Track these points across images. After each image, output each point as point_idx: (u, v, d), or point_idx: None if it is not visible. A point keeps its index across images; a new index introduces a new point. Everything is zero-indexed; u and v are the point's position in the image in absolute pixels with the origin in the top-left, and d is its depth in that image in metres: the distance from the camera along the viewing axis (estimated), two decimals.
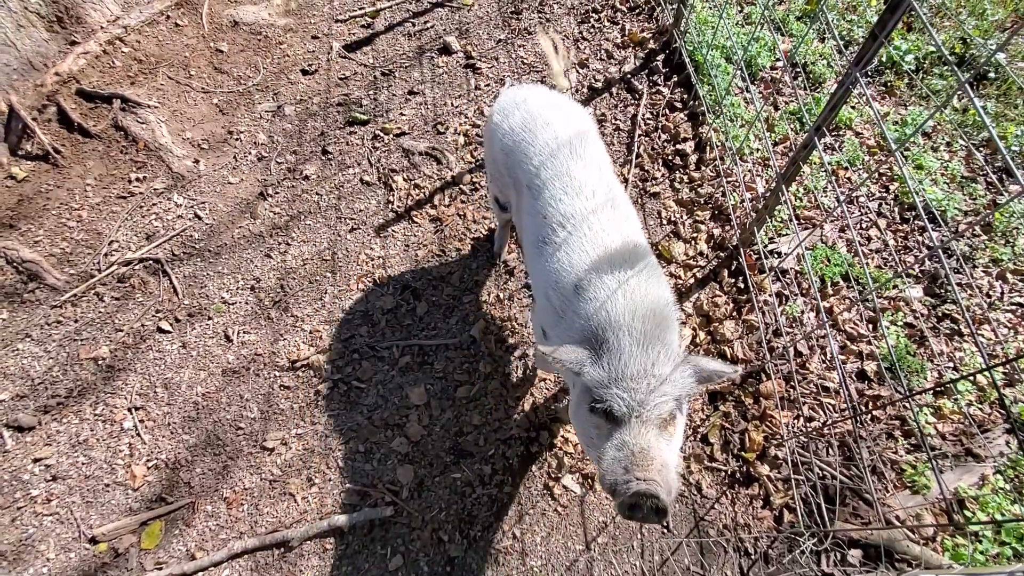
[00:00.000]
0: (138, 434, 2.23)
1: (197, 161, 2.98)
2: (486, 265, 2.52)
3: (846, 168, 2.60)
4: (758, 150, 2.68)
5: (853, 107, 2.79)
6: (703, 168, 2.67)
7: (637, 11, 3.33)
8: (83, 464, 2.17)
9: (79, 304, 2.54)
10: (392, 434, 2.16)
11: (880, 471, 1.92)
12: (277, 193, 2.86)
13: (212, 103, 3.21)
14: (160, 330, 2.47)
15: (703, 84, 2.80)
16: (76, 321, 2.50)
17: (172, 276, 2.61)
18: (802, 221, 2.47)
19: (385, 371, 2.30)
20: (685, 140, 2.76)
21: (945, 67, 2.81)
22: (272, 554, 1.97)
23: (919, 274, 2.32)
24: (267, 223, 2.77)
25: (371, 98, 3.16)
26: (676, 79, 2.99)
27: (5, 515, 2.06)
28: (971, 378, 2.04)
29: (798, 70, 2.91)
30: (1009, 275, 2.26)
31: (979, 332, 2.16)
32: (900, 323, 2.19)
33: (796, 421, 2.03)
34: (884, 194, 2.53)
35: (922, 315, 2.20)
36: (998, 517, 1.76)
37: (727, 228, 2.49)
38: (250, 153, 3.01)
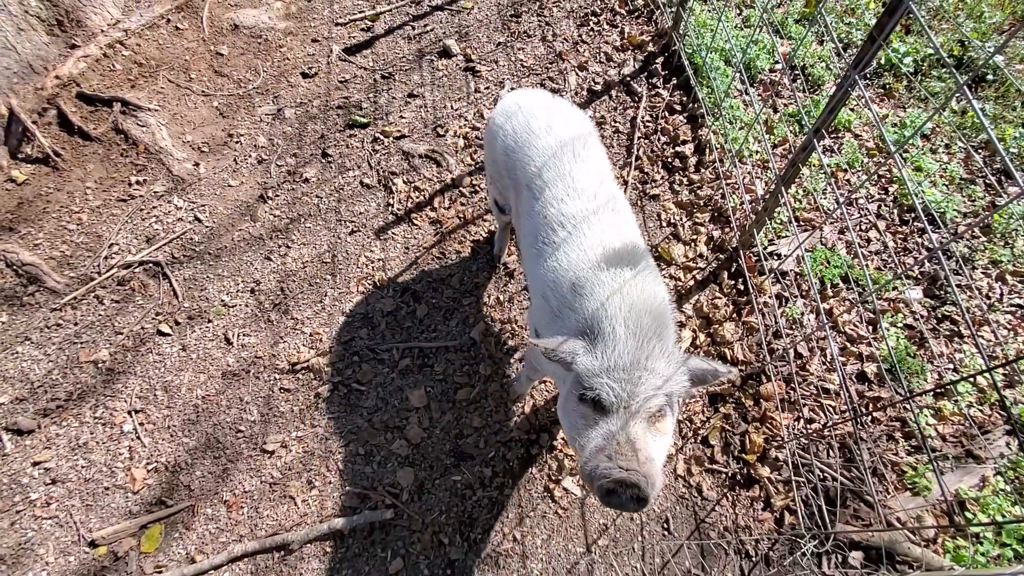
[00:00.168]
0: (138, 437, 2.23)
1: (197, 164, 2.98)
2: (486, 267, 2.52)
3: (845, 170, 2.60)
4: (757, 152, 2.68)
5: (852, 109, 2.80)
6: (702, 170, 2.68)
7: (636, 14, 3.34)
8: (83, 467, 2.17)
9: (79, 307, 2.54)
10: (392, 437, 2.15)
11: (881, 473, 1.92)
12: (277, 196, 2.86)
13: (212, 106, 3.21)
14: (160, 333, 2.47)
15: (702, 87, 2.81)
16: (76, 324, 2.50)
17: (172, 279, 2.61)
18: (801, 223, 2.48)
19: (385, 373, 2.30)
20: (684, 142, 2.77)
21: (943, 69, 2.82)
22: (272, 557, 1.96)
23: (919, 276, 2.33)
24: (267, 226, 2.77)
25: (371, 101, 3.16)
26: (675, 82, 3.00)
27: (4, 519, 2.05)
28: (971, 379, 2.04)
29: (797, 73, 2.92)
30: (1008, 276, 2.26)
31: (979, 333, 2.16)
32: (900, 325, 2.19)
33: (796, 423, 2.03)
34: (883, 196, 2.54)
35: (922, 317, 2.21)
36: (999, 518, 1.76)
37: (727, 230, 2.49)
38: (250, 156, 3.02)
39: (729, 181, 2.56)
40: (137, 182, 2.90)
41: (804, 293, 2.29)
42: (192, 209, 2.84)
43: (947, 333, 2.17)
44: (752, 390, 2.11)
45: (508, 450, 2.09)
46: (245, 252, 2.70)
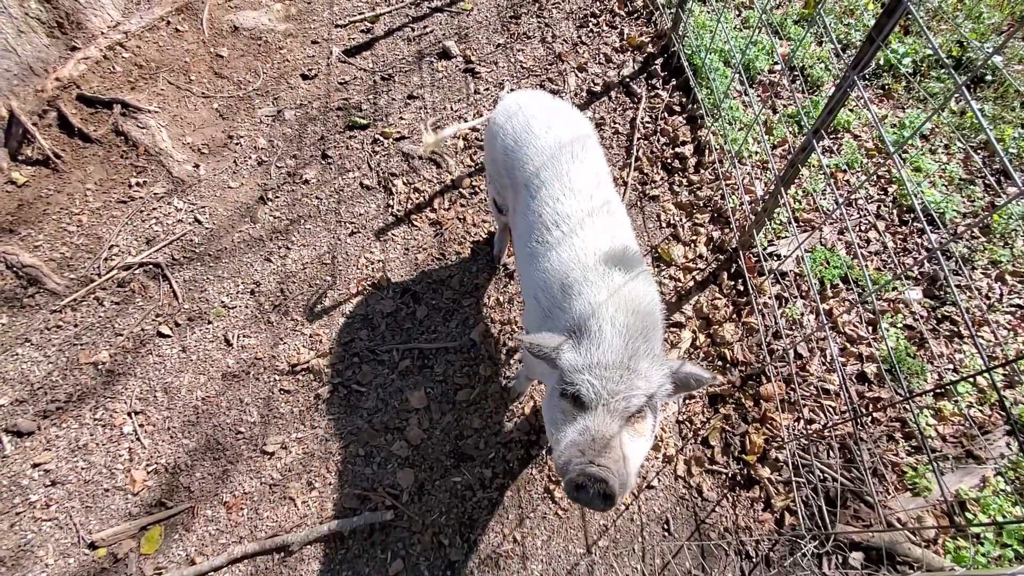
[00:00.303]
0: (138, 438, 2.23)
1: (197, 166, 2.99)
2: (486, 268, 2.53)
3: (845, 171, 2.60)
4: (757, 153, 2.69)
5: (851, 110, 2.80)
6: (702, 171, 2.68)
7: (635, 15, 3.35)
8: (82, 469, 2.17)
9: (79, 309, 2.54)
10: (392, 438, 2.15)
11: (881, 473, 1.91)
12: (277, 197, 2.87)
13: (212, 108, 3.21)
14: (160, 334, 2.47)
15: (702, 88, 2.81)
16: (76, 326, 2.50)
17: (172, 280, 2.61)
18: (801, 223, 2.48)
19: (385, 375, 2.30)
20: (684, 143, 2.77)
21: (942, 70, 2.82)
22: (272, 559, 1.96)
23: (918, 276, 2.33)
24: (267, 227, 2.77)
25: (371, 102, 3.17)
26: (675, 83, 3.00)
27: (4, 520, 2.05)
28: (971, 380, 2.04)
29: (796, 73, 2.92)
30: (1008, 277, 2.26)
31: (979, 334, 2.16)
32: (900, 325, 2.19)
33: (796, 423, 2.03)
34: (883, 196, 2.54)
35: (922, 317, 2.21)
36: (999, 519, 1.76)
37: (726, 231, 2.49)
38: (250, 157, 3.02)
39: (729, 182, 2.56)
40: (137, 184, 2.90)
41: (804, 294, 2.30)
42: (192, 211, 2.84)
43: (947, 333, 2.17)
44: (752, 391, 2.11)
45: (508, 451, 2.09)
46: (245, 253, 2.70)
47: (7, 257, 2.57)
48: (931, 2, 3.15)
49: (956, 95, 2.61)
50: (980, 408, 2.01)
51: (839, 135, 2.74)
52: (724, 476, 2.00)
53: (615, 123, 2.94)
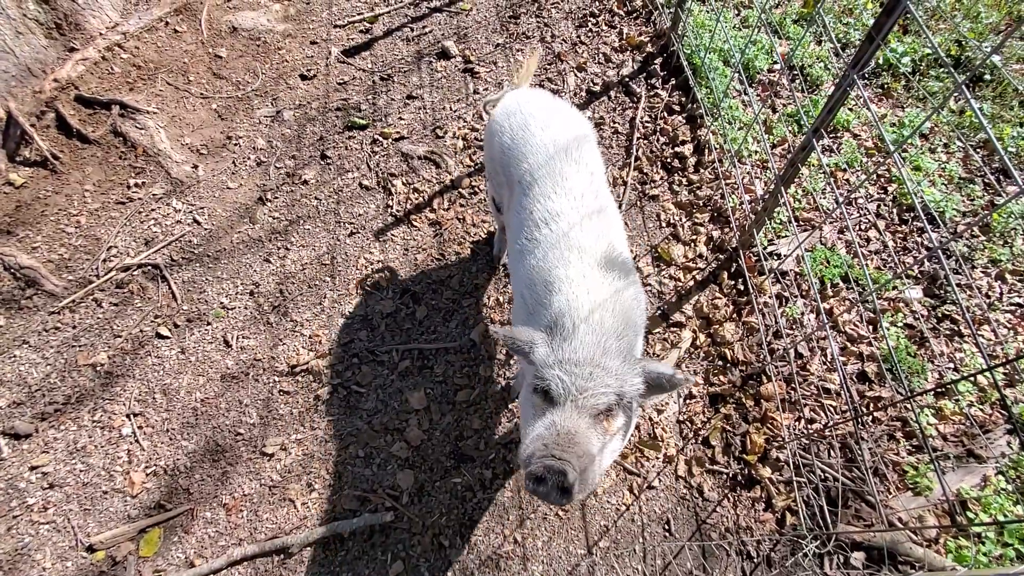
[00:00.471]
0: (137, 440, 2.22)
1: (196, 166, 2.98)
2: (485, 268, 2.52)
3: (844, 170, 2.60)
4: (756, 152, 2.69)
5: (851, 109, 2.80)
6: (702, 170, 2.68)
7: (634, 15, 3.35)
8: (81, 471, 2.16)
9: (77, 310, 2.53)
10: (392, 439, 2.15)
11: (882, 473, 1.91)
12: (276, 198, 2.86)
13: (211, 109, 3.21)
14: (159, 336, 2.46)
15: (701, 87, 2.81)
16: (74, 327, 2.49)
17: (171, 281, 2.60)
18: (801, 223, 2.48)
19: (385, 375, 2.29)
20: (684, 143, 2.77)
21: (941, 69, 2.83)
22: (272, 561, 1.95)
23: (919, 275, 2.33)
24: (266, 228, 2.77)
25: (370, 103, 3.16)
26: (674, 82, 3.00)
27: (1, 524, 2.04)
28: (972, 379, 2.04)
29: (795, 73, 2.92)
30: (1008, 275, 2.26)
31: (979, 333, 2.16)
32: (900, 324, 2.19)
33: (797, 423, 2.03)
34: (883, 195, 2.54)
35: (922, 316, 2.20)
36: (1000, 518, 1.75)
37: (726, 230, 2.49)
38: (249, 158, 3.01)
39: (728, 181, 2.56)
40: (136, 185, 2.89)
41: (804, 293, 2.29)
42: (191, 211, 2.83)
43: (947, 332, 2.16)
44: (753, 390, 2.11)
45: (509, 452, 2.08)
46: (244, 254, 2.69)
47: (5, 258, 2.56)
48: (930, 1, 3.16)
49: (955, 94, 2.61)
50: (981, 407, 2.01)
51: (839, 134, 2.74)
52: (725, 476, 2.00)
53: (615, 123, 2.94)
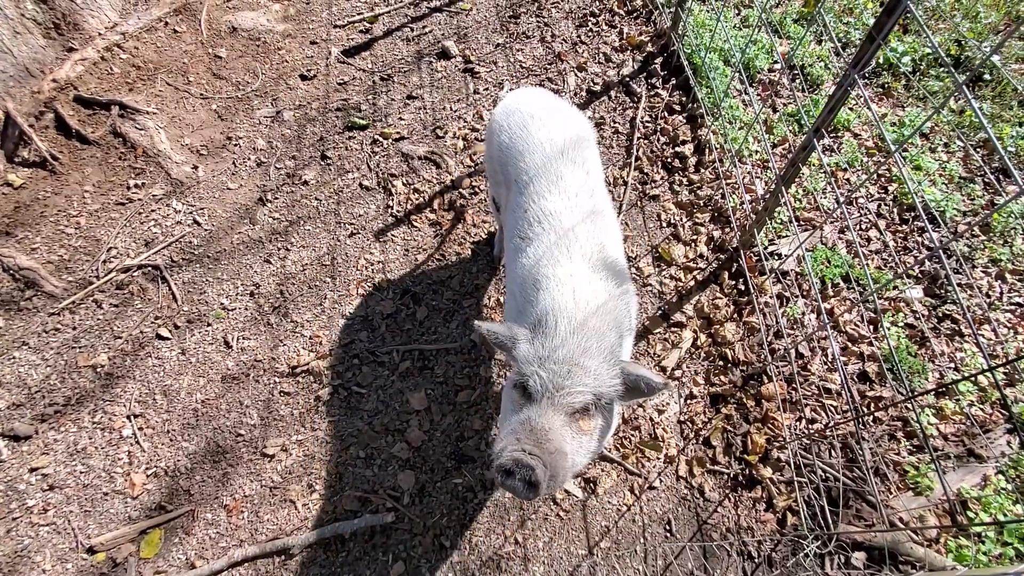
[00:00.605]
0: (137, 442, 2.21)
1: (196, 167, 2.97)
2: (486, 269, 2.52)
3: (845, 169, 2.60)
4: (757, 152, 2.68)
5: (851, 109, 2.80)
6: (702, 170, 2.68)
7: (635, 14, 3.34)
8: (81, 473, 2.15)
9: (77, 311, 2.53)
10: (393, 439, 2.15)
11: (883, 472, 1.91)
12: (276, 198, 2.86)
13: (211, 109, 3.20)
14: (159, 337, 2.46)
15: (701, 87, 2.81)
16: (74, 328, 2.48)
17: (171, 282, 2.60)
18: (802, 223, 2.48)
19: (385, 376, 2.29)
20: (684, 142, 2.77)
21: (941, 69, 2.83)
22: (273, 562, 1.95)
23: (919, 275, 2.33)
24: (266, 228, 2.76)
25: (370, 103, 3.16)
26: (674, 82, 3.00)
27: (1, 526, 2.04)
28: (972, 378, 2.04)
29: (796, 72, 2.92)
30: (1008, 275, 2.26)
31: (980, 332, 2.16)
32: (901, 324, 2.19)
33: (798, 423, 2.03)
34: (883, 195, 2.54)
35: (923, 316, 2.21)
36: (1001, 518, 1.75)
37: (727, 230, 2.49)
38: (249, 159, 3.01)
39: (729, 181, 2.56)
40: (135, 185, 2.89)
41: (805, 293, 2.29)
42: (191, 212, 2.83)
43: (948, 332, 2.16)
44: (753, 390, 2.11)
45: None
46: (244, 255, 2.69)
47: (4, 260, 2.56)
48: (930, 1, 3.16)
49: (955, 93, 2.61)
50: (981, 406, 2.01)
51: (839, 134, 2.74)
52: (726, 476, 2.00)
53: (615, 122, 2.94)
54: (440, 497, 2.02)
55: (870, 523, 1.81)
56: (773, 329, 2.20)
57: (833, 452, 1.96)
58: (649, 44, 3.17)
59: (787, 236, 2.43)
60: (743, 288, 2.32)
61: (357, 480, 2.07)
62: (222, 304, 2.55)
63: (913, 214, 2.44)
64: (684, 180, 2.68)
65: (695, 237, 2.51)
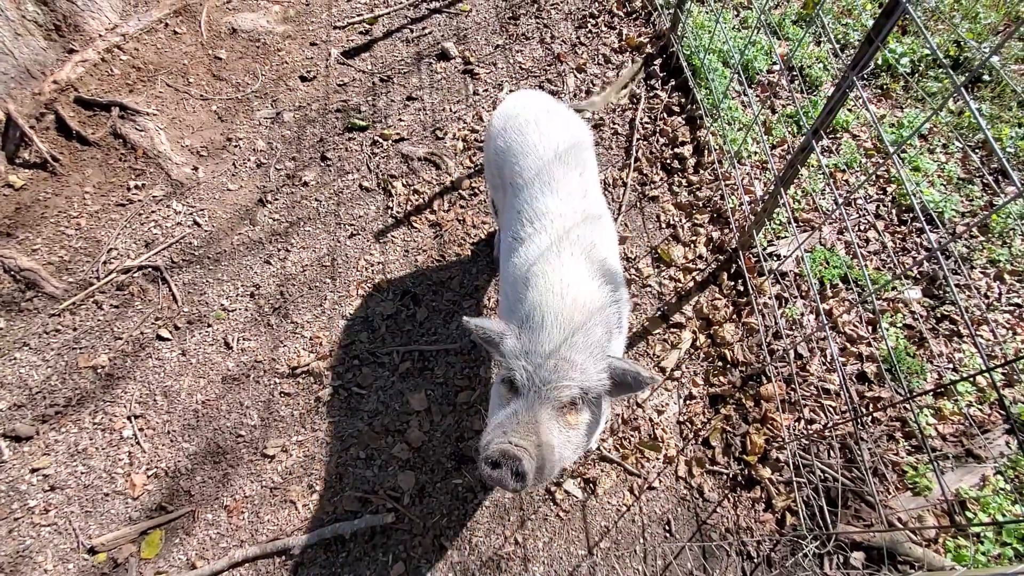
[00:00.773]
0: (138, 442, 2.22)
1: (196, 168, 2.98)
2: (486, 270, 2.52)
3: (844, 171, 2.61)
4: (756, 153, 2.69)
5: (850, 110, 2.80)
6: (701, 171, 2.68)
7: (634, 16, 3.35)
8: (82, 473, 2.16)
9: (78, 312, 2.53)
10: (393, 440, 2.15)
11: (882, 473, 1.92)
12: (276, 199, 2.86)
13: (211, 110, 3.21)
14: (159, 338, 2.46)
15: (700, 88, 2.82)
16: (75, 329, 2.49)
17: (171, 283, 2.60)
18: (801, 224, 2.48)
19: (385, 377, 2.29)
20: (683, 144, 2.77)
21: (940, 70, 2.83)
22: (273, 562, 1.96)
23: (918, 275, 2.33)
24: (266, 229, 2.77)
25: (370, 104, 3.17)
26: (674, 83, 3.00)
27: (2, 526, 2.04)
28: (971, 379, 2.05)
29: (795, 74, 2.93)
30: (1007, 276, 2.27)
31: (978, 333, 2.17)
32: (900, 324, 2.20)
33: (797, 423, 2.03)
34: (882, 196, 2.55)
35: (921, 316, 2.21)
36: (999, 518, 1.76)
37: (726, 231, 2.50)
38: (249, 160, 3.01)
39: (728, 182, 2.57)
40: (136, 187, 2.89)
41: (804, 294, 2.30)
42: (191, 213, 2.83)
43: (946, 333, 2.17)
44: (752, 391, 2.11)
45: None
46: (244, 256, 2.70)
47: (5, 261, 2.56)
48: (928, 2, 3.16)
49: (954, 95, 2.62)
50: (980, 407, 2.02)
51: (838, 135, 2.74)
52: (725, 477, 2.00)
53: (614, 124, 2.95)
54: (440, 497, 2.02)
55: (869, 523, 1.82)
56: (772, 330, 2.21)
57: (832, 452, 1.96)
58: (648, 45, 3.17)
59: (786, 237, 2.44)
60: (742, 289, 2.33)
61: (357, 480, 2.08)
62: (222, 305, 2.55)
63: (912, 215, 2.45)
64: (683, 181, 2.69)
65: (694, 238, 2.52)
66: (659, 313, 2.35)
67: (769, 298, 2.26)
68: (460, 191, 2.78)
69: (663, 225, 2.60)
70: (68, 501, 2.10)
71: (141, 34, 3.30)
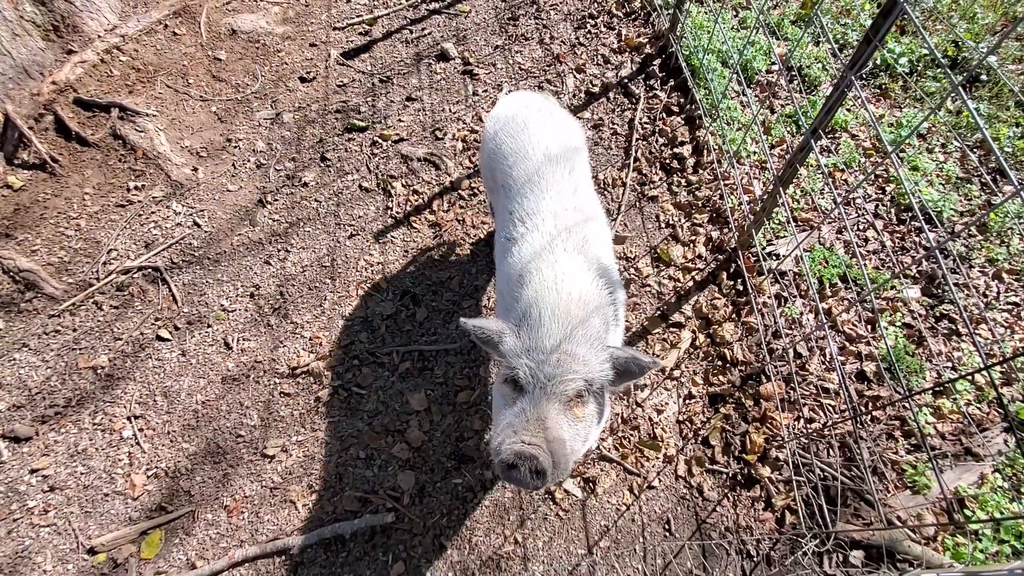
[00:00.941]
0: (137, 443, 2.22)
1: (196, 169, 2.98)
2: (486, 270, 2.53)
3: (842, 170, 2.62)
4: (755, 153, 2.70)
5: (848, 110, 2.81)
6: (701, 171, 2.69)
7: (633, 16, 3.36)
8: (82, 474, 2.16)
9: (77, 313, 2.53)
10: (393, 440, 2.15)
11: (881, 471, 1.92)
12: (276, 200, 2.86)
13: (210, 111, 3.21)
14: (159, 338, 2.46)
15: (700, 88, 2.82)
16: (74, 330, 2.49)
17: (171, 284, 2.60)
18: (800, 223, 2.49)
19: (385, 377, 2.29)
20: (682, 144, 2.78)
21: (938, 70, 2.84)
22: (273, 562, 1.96)
23: (916, 275, 2.34)
24: (266, 230, 2.77)
25: (369, 105, 3.17)
26: (673, 83, 3.01)
27: (1, 527, 2.04)
28: (969, 377, 2.05)
29: (794, 74, 2.94)
30: (1005, 275, 2.27)
31: (977, 332, 2.17)
32: (899, 323, 2.20)
33: (796, 422, 2.04)
34: (880, 196, 2.55)
35: (920, 315, 2.22)
36: (997, 515, 1.76)
37: (725, 231, 2.50)
38: (249, 160, 3.02)
39: (727, 182, 2.57)
40: (135, 187, 2.89)
41: (803, 293, 2.30)
42: (191, 214, 2.83)
43: (945, 331, 2.18)
44: (752, 390, 2.12)
45: None
46: (244, 257, 2.70)
47: (4, 262, 2.56)
48: (926, 2, 3.17)
49: (952, 94, 2.63)
50: (978, 405, 2.02)
51: (837, 135, 2.75)
52: (725, 476, 2.01)
53: (613, 124, 2.95)
54: (440, 497, 2.03)
55: (868, 521, 1.82)
56: (771, 329, 2.21)
57: (831, 451, 1.96)
58: (648, 46, 3.18)
59: (785, 236, 2.45)
60: (741, 288, 2.33)
61: (357, 480, 2.08)
62: (222, 305, 2.55)
63: (910, 214, 2.46)
64: (682, 181, 2.69)
65: (693, 238, 2.52)
66: (658, 312, 2.36)
67: (768, 297, 2.26)
68: (460, 191, 2.78)
69: (662, 225, 2.60)
70: (68, 502, 2.10)
71: (140, 35, 3.30)
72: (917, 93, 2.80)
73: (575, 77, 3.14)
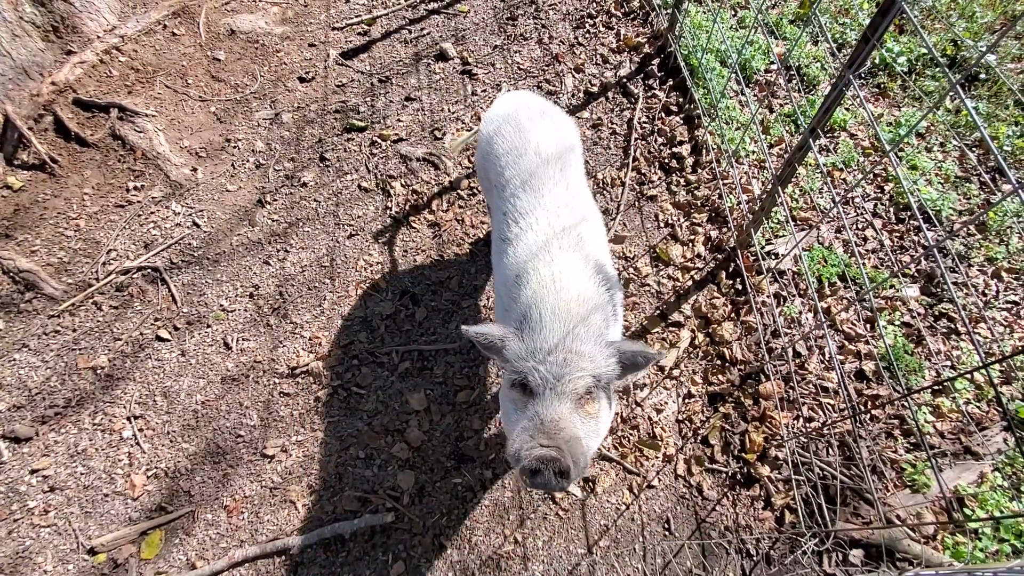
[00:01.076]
0: (137, 443, 2.22)
1: (195, 169, 2.98)
2: (485, 269, 2.53)
3: (841, 169, 2.62)
4: (754, 152, 2.70)
5: (847, 109, 2.81)
6: (699, 171, 2.69)
7: (632, 16, 3.36)
8: (81, 474, 2.16)
9: (77, 313, 2.53)
10: (392, 440, 2.15)
11: (880, 470, 1.92)
12: (275, 200, 2.86)
13: (210, 111, 3.21)
14: (159, 338, 2.46)
15: (698, 88, 2.82)
16: (74, 330, 2.49)
17: (171, 284, 2.60)
18: (798, 222, 2.49)
19: (385, 377, 2.30)
20: (681, 143, 2.78)
21: (937, 69, 2.84)
22: (273, 562, 1.96)
23: (915, 273, 2.34)
24: (265, 230, 2.77)
25: (368, 105, 3.17)
26: (672, 83, 3.01)
27: (1, 527, 2.04)
28: (968, 376, 2.05)
29: (792, 73, 2.94)
30: (1004, 273, 2.28)
31: (975, 330, 2.17)
32: (897, 322, 2.20)
33: (796, 421, 2.04)
34: (879, 195, 2.55)
35: (919, 314, 2.22)
36: (997, 514, 1.77)
37: (724, 230, 2.50)
38: (248, 161, 3.02)
39: (726, 181, 2.57)
40: (135, 188, 2.89)
41: (802, 292, 2.31)
42: (190, 214, 2.83)
43: (944, 330, 2.18)
44: (751, 389, 2.12)
45: None
46: (244, 257, 2.70)
47: (4, 262, 2.56)
48: (925, 1, 3.17)
49: (951, 93, 2.63)
50: (977, 404, 2.02)
51: (835, 134, 2.75)
52: (724, 475, 2.01)
53: (612, 123, 2.95)
54: (440, 497, 2.03)
55: (867, 520, 1.82)
56: (770, 328, 2.22)
57: (831, 450, 1.97)
58: (646, 45, 3.18)
59: (784, 236, 2.45)
60: (740, 288, 2.33)
61: (357, 480, 2.08)
62: (221, 306, 2.55)
63: (909, 213, 2.46)
64: (681, 180, 2.69)
65: (692, 237, 2.52)
66: (658, 312, 2.36)
67: (767, 297, 2.26)
68: (458, 191, 2.78)
69: (661, 224, 2.60)
70: (68, 502, 2.10)
71: (139, 35, 3.30)
72: (916, 92, 2.80)
73: (574, 77, 3.14)
